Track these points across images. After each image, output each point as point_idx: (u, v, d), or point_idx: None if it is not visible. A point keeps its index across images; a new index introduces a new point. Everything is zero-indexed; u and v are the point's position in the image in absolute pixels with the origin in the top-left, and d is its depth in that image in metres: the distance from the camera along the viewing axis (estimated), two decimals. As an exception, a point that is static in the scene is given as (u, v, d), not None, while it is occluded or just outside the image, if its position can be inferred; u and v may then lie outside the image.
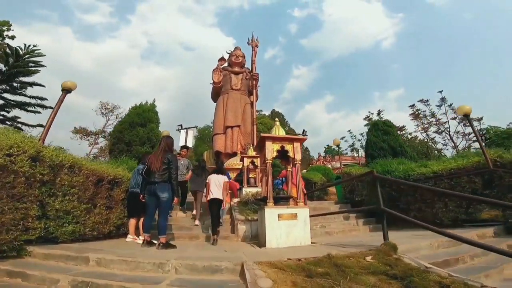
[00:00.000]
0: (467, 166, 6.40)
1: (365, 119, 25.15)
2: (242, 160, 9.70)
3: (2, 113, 19.19)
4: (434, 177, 6.39)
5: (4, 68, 17.74)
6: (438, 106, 21.97)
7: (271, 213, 5.16)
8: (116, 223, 5.74)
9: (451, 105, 21.20)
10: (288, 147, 5.60)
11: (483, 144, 8.31)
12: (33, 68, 18.57)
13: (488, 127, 19.18)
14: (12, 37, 22.95)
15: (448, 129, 21.36)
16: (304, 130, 15.13)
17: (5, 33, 22.19)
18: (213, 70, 17.80)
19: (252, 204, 7.49)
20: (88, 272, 3.37)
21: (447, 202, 6.27)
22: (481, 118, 20.45)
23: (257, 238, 6.10)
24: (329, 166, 20.07)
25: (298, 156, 5.57)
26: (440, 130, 21.97)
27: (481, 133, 19.32)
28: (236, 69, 18.23)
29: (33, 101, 19.29)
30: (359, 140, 26.38)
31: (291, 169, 6.14)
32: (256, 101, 18.82)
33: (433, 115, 22.41)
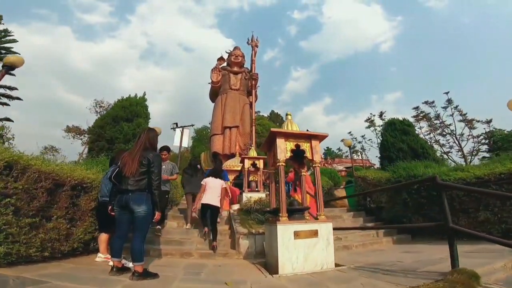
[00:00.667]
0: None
1: (366, 121, 23.97)
2: (242, 161, 8.36)
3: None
4: (478, 183, 5.10)
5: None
6: (443, 108, 20.89)
7: (285, 230, 3.81)
8: (83, 238, 4.31)
9: (457, 107, 20.14)
10: (304, 146, 4.27)
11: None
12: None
13: (494, 129, 18.11)
14: (5, 31, 21.47)
15: (454, 132, 20.25)
16: (307, 130, 13.84)
17: (-5, 26, 20.64)
18: (212, 69, 16.61)
19: (256, 213, 6.13)
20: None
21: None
22: (490, 120, 19.33)
23: (263, 255, 4.82)
24: (332, 168, 18.84)
25: (318, 158, 4.23)
26: (444, 133, 20.87)
27: (487, 136, 18.26)
28: (235, 69, 17.05)
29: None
30: (359, 142, 25.13)
31: (305, 173, 4.79)
32: (255, 102, 17.84)
33: (437, 117, 21.29)
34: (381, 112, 22.77)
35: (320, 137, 4.41)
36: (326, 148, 33.08)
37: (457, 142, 19.97)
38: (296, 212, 4.19)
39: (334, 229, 5.34)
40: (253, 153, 8.55)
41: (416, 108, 21.68)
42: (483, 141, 18.49)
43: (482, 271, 3.03)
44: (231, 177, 12.49)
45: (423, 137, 20.33)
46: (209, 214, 5.36)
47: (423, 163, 6.61)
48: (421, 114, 21.37)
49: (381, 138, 10.47)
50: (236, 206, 7.53)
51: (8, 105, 17.47)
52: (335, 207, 8.62)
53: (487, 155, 16.86)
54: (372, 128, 23.42)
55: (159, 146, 5.55)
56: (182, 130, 12.91)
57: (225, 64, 17.78)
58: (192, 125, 12.92)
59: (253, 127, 17.16)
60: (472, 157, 19.09)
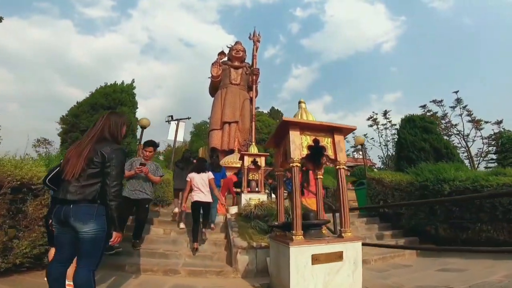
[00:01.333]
0: None
1: (369, 119, 22.78)
2: (241, 158, 7.24)
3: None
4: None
5: None
6: (452, 107, 19.75)
7: (300, 253, 2.69)
8: (31, 252, 3.15)
9: (465, 106, 19.03)
10: (325, 141, 3.13)
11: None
12: None
13: (502, 130, 17.05)
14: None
15: (462, 132, 19.17)
16: None
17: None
18: (212, 63, 15.52)
19: (257, 220, 5.00)
20: None
21: None
22: (501, 121, 18.21)
23: (265, 274, 3.81)
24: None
25: (343, 157, 3.09)
26: (450, 133, 19.77)
27: (495, 137, 17.21)
28: (236, 63, 15.96)
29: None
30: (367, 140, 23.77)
31: (321, 176, 3.66)
32: (255, 97, 16.76)
33: (444, 116, 20.18)
34: (385, 110, 21.60)
35: (345, 131, 3.28)
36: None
37: (464, 143, 18.95)
38: (312, 227, 3.07)
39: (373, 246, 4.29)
40: (253, 149, 7.42)
41: (423, 106, 20.50)
42: (492, 142, 17.48)
43: None
44: (229, 174, 11.43)
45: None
46: (201, 212, 4.73)
47: (453, 165, 5.51)
48: (428, 113, 20.23)
49: (396, 136, 9.41)
50: (234, 209, 6.41)
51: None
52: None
53: (494, 157, 15.88)
54: (374, 127, 22.28)
55: (154, 142, 4.40)
56: (178, 123, 11.66)
57: (225, 58, 16.83)
58: (189, 118, 11.75)
59: (253, 123, 16.22)
60: (480, 159, 18.10)
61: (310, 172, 4.57)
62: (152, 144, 4.41)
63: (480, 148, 18.27)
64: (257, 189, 6.97)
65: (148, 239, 4.75)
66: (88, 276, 2.03)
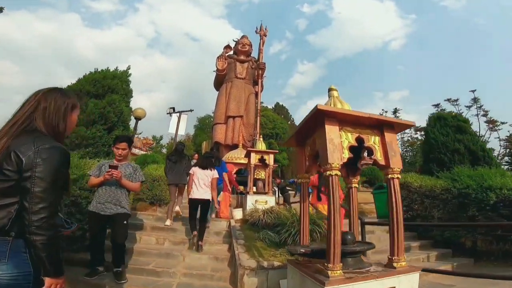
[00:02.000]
0: None
1: None
2: (247, 155, 6.34)
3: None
4: None
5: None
6: (467, 107, 18.57)
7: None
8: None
9: (481, 106, 17.89)
10: (371, 140, 2.21)
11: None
12: None
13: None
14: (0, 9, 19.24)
15: (478, 133, 18.07)
16: None
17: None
18: (218, 57, 14.74)
19: (266, 230, 4.10)
20: None
21: None
22: None
23: None
24: None
25: (397, 162, 2.15)
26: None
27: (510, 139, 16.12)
28: (242, 57, 15.09)
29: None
30: None
31: (356, 184, 2.73)
32: (261, 92, 15.90)
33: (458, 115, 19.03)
34: (396, 108, 20.43)
35: (399, 127, 2.34)
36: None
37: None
38: (351, 254, 2.16)
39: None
40: (261, 145, 6.49)
41: (437, 105, 19.30)
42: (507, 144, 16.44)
43: None
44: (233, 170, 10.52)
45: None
46: (199, 210, 4.23)
47: (497, 171, 4.59)
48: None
49: (405, 135, 8.52)
50: (238, 214, 5.52)
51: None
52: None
53: (507, 159, 14.86)
54: None
55: (127, 137, 3.41)
56: (180, 115, 10.69)
57: (231, 52, 15.53)
58: (191, 110, 10.75)
59: (258, 118, 15.40)
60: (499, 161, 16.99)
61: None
62: (125, 139, 3.16)
63: (493, 149, 17.20)
64: (264, 190, 6.08)
65: (136, 250, 3.86)
66: None
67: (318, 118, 2.08)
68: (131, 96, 5.96)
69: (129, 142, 3.18)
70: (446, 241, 4.67)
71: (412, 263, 4.26)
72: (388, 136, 2.19)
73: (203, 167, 4.32)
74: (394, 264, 2.09)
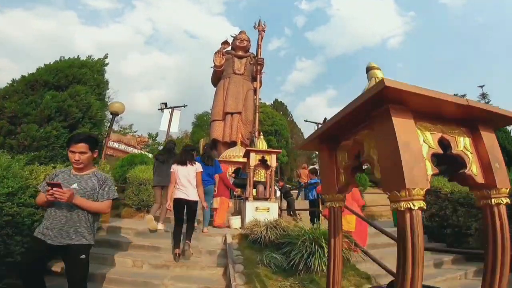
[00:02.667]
0: None
1: None
2: (246, 155, 5.40)
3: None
4: None
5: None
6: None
7: None
8: None
9: (489, 102, 16.98)
10: (461, 144, 1.23)
11: None
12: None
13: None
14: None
15: None
16: (325, 119, 10.83)
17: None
18: (215, 52, 13.84)
19: (271, 251, 3.16)
20: None
21: None
22: None
23: None
24: None
25: (504, 179, 1.21)
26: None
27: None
28: (240, 53, 14.25)
29: None
30: None
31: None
32: (259, 88, 14.88)
33: None
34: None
35: (503, 120, 1.38)
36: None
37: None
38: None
39: None
40: (261, 144, 5.54)
41: None
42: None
43: None
44: (230, 169, 9.74)
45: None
46: (182, 212, 3.53)
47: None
48: None
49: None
50: (236, 222, 4.60)
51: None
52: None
53: None
54: None
55: (87, 136, 2.31)
56: (172, 111, 9.60)
57: (229, 48, 14.49)
58: (184, 106, 9.66)
59: (257, 114, 14.47)
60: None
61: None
62: (85, 139, 2.06)
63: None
64: (265, 195, 5.15)
65: (107, 277, 2.91)
66: None
67: (380, 102, 1.11)
68: (106, 88, 4.73)
69: (91, 143, 2.07)
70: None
71: (449, 282, 3.44)
72: (485, 136, 1.26)
73: (182, 162, 3.52)
74: None
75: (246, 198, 4.96)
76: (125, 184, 5.71)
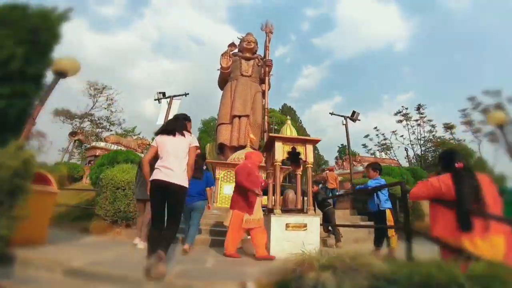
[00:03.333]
0: None
1: (396, 114, 18.36)
2: (268, 147, 3.63)
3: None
4: None
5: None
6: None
7: None
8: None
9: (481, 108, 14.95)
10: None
11: None
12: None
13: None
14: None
15: None
16: (354, 112, 9.03)
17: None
18: (222, 54, 12.76)
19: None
20: None
21: None
22: None
23: None
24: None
25: None
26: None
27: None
28: (248, 55, 13.07)
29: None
30: (385, 138, 19.05)
31: None
32: (268, 90, 13.51)
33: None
34: (419, 104, 17.31)
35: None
36: (340, 146, 27.12)
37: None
38: None
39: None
40: (290, 130, 3.75)
41: (463, 110, 16.04)
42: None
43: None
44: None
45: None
46: (160, 204, 2.18)
47: None
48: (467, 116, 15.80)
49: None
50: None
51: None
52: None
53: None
54: (404, 123, 17.78)
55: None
56: (171, 101, 7.79)
57: (236, 50, 13.38)
58: (186, 94, 7.86)
59: (266, 118, 12.95)
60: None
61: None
62: None
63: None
64: (296, 206, 3.31)
65: None
66: None
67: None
68: (56, 42, 2.79)
69: None
70: None
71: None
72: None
73: (169, 131, 2.33)
74: None
75: (270, 210, 3.15)
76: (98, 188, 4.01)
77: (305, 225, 2.97)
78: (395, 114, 17.86)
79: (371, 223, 3.93)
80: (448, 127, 15.57)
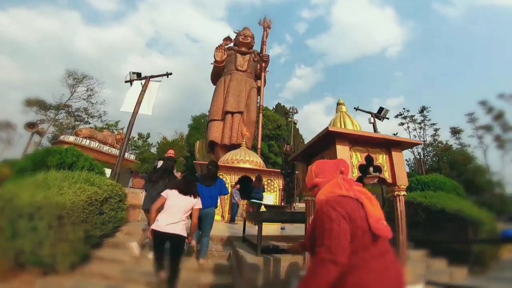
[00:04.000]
0: None
1: (397, 116, 17.34)
2: (322, 146, 2.01)
3: None
4: None
5: None
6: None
7: None
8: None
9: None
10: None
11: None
12: None
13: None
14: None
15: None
16: (382, 109, 7.60)
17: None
18: (217, 47, 11.39)
19: None
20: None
21: None
22: None
23: None
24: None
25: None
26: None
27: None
28: (244, 49, 11.89)
29: None
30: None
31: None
32: (263, 87, 11.74)
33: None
34: (423, 107, 16.50)
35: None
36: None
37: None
38: None
39: None
40: (350, 122, 2.08)
41: (470, 114, 15.45)
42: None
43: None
44: (231, 177, 6.50)
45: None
46: (168, 251, 2.38)
47: None
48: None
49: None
50: None
51: None
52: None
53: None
54: (405, 126, 16.91)
55: None
56: (146, 82, 5.53)
57: (231, 45, 12.20)
58: (168, 75, 5.85)
59: (261, 115, 11.47)
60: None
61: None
62: None
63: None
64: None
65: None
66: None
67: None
68: None
69: None
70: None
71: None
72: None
73: (185, 191, 2.47)
74: None
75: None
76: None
77: None
78: (396, 117, 17.02)
79: None
80: (455, 131, 14.86)
